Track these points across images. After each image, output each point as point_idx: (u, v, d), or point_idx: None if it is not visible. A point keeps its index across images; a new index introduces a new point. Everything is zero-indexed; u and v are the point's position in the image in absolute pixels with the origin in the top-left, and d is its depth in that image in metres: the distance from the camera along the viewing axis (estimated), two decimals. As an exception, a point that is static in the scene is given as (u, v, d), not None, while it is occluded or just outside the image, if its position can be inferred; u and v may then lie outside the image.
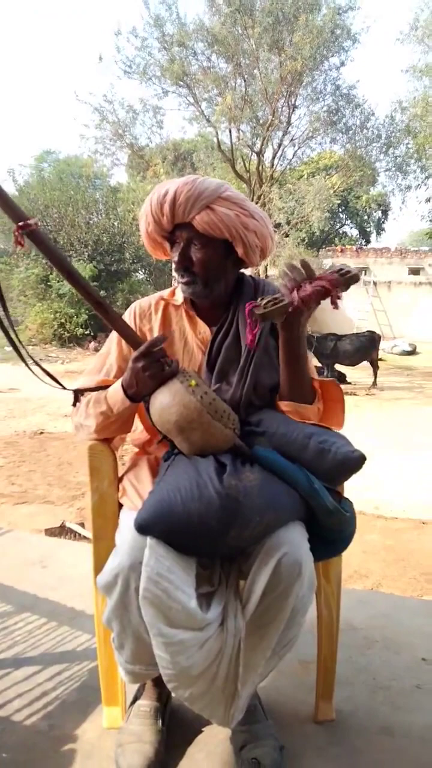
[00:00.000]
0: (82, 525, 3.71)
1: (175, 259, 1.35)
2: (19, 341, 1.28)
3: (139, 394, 1.25)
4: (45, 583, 2.15)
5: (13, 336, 1.26)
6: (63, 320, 15.67)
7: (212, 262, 1.35)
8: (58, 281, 15.78)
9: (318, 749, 1.37)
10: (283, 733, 1.35)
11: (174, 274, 1.41)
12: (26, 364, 1.31)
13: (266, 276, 11.76)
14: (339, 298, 1.19)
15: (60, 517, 3.90)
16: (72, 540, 3.41)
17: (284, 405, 1.32)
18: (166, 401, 1.19)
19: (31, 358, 1.32)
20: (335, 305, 1.20)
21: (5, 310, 1.25)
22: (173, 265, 1.39)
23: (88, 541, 3.18)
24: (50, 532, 3.55)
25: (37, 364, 1.33)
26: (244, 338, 1.35)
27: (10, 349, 1.33)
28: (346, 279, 1.18)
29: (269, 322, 1.28)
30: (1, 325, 1.25)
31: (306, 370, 1.34)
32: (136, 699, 1.43)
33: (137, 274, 19.93)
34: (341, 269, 1.20)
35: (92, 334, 15.81)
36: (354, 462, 1.19)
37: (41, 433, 6.54)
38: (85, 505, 4.17)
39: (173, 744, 1.35)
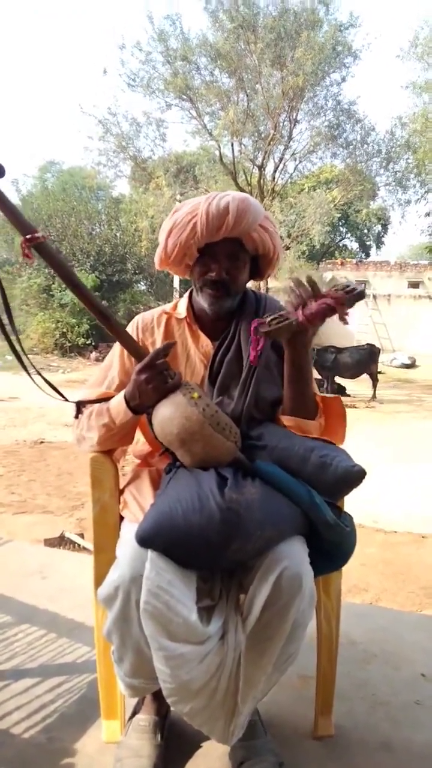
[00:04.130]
0: (81, 536, 3.70)
1: (213, 274, 1.36)
2: (23, 352, 1.30)
3: (141, 405, 1.26)
4: (44, 593, 2.14)
5: (17, 347, 1.27)
6: (65, 330, 15.72)
7: (244, 278, 1.41)
8: (61, 291, 15.85)
9: (317, 765, 1.37)
10: (282, 749, 1.35)
11: (201, 287, 1.39)
12: (29, 375, 1.32)
13: (267, 289, 11.81)
14: (346, 314, 1.19)
15: (59, 527, 3.90)
16: (71, 551, 3.40)
17: (287, 420, 1.33)
18: (168, 413, 1.19)
19: (35, 369, 1.33)
20: (344, 321, 1.19)
21: (11, 320, 1.26)
22: (199, 279, 1.39)
23: (88, 552, 3.18)
24: (49, 543, 3.54)
25: (40, 375, 1.34)
26: (246, 353, 1.37)
27: (11, 357, 1.35)
28: (351, 296, 1.18)
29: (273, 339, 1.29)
30: (6, 338, 1.26)
31: (310, 386, 1.35)
32: (135, 713, 1.42)
33: (139, 284, 20.02)
34: (347, 286, 1.20)
35: (94, 344, 15.85)
36: (355, 476, 1.19)
37: (41, 442, 6.54)
38: (85, 516, 4.17)
39: (172, 759, 1.35)
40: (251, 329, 1.24)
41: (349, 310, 1.20)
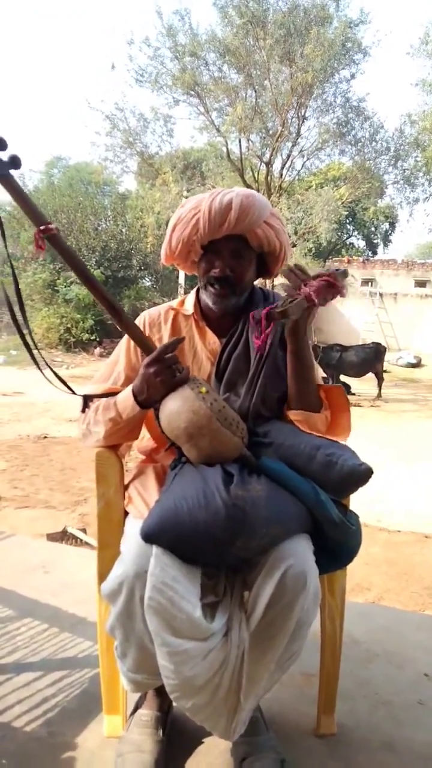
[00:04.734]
0: (83, 531, 3.71)
1: (216, 271, 1.36)
2: (35, 345, 1.29)
3: (149, 399, 1.26)
4: (47, 588, 2.15)
5: (29, 340, 1.27)
6: (69, 325, 15.72)
7: (250, 275, 1.40)
8: (65, 286, 15.86)
9: (319, 763, 1.36)
10: (284, 746, 1.34)
11: (206, 284, 1.39)
12: (38, 368, 1.32)
13: (273, 286, 11.80)
14: (344, 287, 1.26)
15: (62, 522, 3.90)
16: (74, 546, 3.40)
17: (293, 414, 1.32)
18: (176, 407, 1.19)
19: (46, 362, 1.33)
20: (342, 294, 1.26)
21: (23, 313, 1.26)
22: (204, 276, 1.39)
23: (90, 547, 3.19)
24: (52, 537, 3.54)
25: (51, 369, 1.34)
26: (254, 349, 1.36)
27: (16, 352, 1.35)
28: (339, 273, 1.25)
29: (283, 323, 1.30)
30: (18, 330, 1.26)
31: (313, 378, 1.35)
32: (137, 708, 1.42)
33: (144, 280, 20.01)
34: (330, 268, 1.29)
35: (98, 339, 15.84)
36: (361, 475, 1.19)
37: (45, 437, 6.55)
38: (87, 511, 4.17)
39: (173, 754, 1.35)
40: (263, 315, 1.25)
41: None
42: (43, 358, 1.31)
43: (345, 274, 1.27)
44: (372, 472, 1.19)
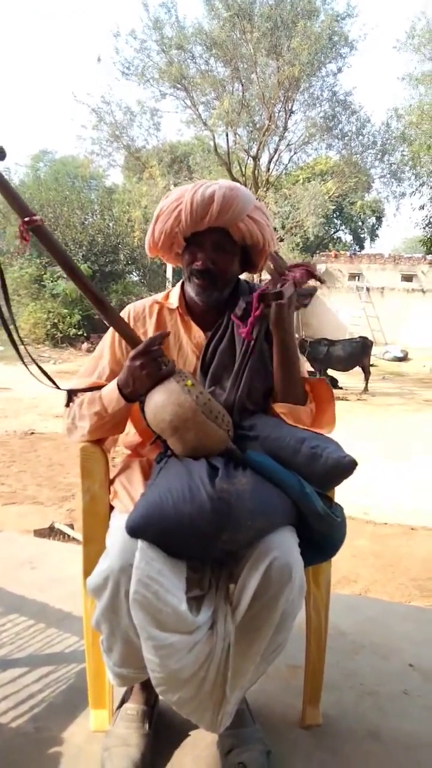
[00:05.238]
0: (71, 526, 3.70)
1: (198, 263, 1.35)
2: (20, 339, 1.29)
3: (134, 393, 1.25)
4: (34, 584, 2.14)
5: (14, 334, 1.26)
6: (56, 320, 15.63)
7: (234, 269, 1.39)
8: (52, 281, 15.75)
9: (305, 754, 1.37)
10: (270, 738, 1.35)
11: (189, 277, 1.39)
12: (23, 362, 1.31)
13: (260, 280, 11.79)
14: (319, 275, 1.39)
15: (49, 517, 3.89)
16: (61, 541, 3.39)
17: (279, 407, 1.33)
18: (161, 400, 1.19)
19: (31, 357, 1.32)
20: (321, 281, 1.40)
21: (8, 307, 1.25)
22: (187, 268, 1.39)
23: (77, 543, 3.17)
24: (39, 533, 3.53)
25: (35, 362, 1.33)
26: (239, 343, 1.36)
27: (2, 348, 1.32)
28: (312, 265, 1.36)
29: (266, 323, 1.33)
30: (4, 324, 1.25)
31: (298, 370, 1.36)
32: (123, 702, 1.42)
33: (131, 275, 19.94)
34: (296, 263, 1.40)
35: (85, 334, 15.77)
36: (345, 467, 1.19)
37: (32, 433, 6.51)
38: (75, 507, 4.16)
39: (160, 748, 1.35)
40: (255, 297, 1.28)
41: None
42: (28, 353, 1.30)
43: (312, 267, 1.39)
44: (356, 465, 1.19)
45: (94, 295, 1.23)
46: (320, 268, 19.27)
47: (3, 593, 2.07)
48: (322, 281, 1.31)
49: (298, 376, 1.36)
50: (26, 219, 1.15)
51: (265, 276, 1.38)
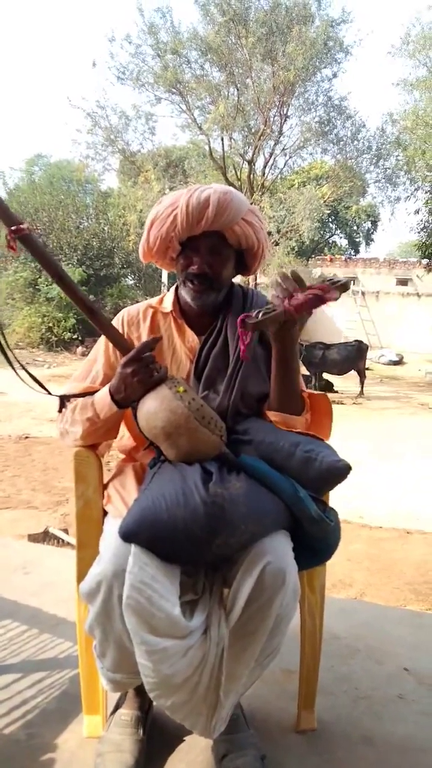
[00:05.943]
0: (65, 531, 3.68)
1: (194, 267, 1.35)
2: (8, 345, 1.28)
3: (126, 399, 1.25)
4: (27, 589, 2.12)
5: (1, 339, 1.25)
6: (51, 324, 15.59)
7: (229, 272, 1.39)
8: (47, 285, 15.72)
9: (299, 759, 1.37)
10: (264, 743, 1.35)
11: (184, 281, 1.38)
12: (13, 368, 1.31)
13: (256, 284, 11.81)
14: (333, 299, 1.19)
15: (44, 522, 3.87)
16: (55, 546, 3.38)
17: (272, 415, 1.32)
18: (153, 407, 1.19)
19: (19, 362, 1.31)
20: (346, 289, 1.20)
21: None
22: (182, 272, 1.38)
23: (72, 548, 3.16)
24: (33, 538, 3.51)
25: (24, 369, 1.32)
26: (233, 347, 1.36)
27: (-5, 353, 1.32)
28: (337, 287, 1.18)
29: (259, 332, 1.28)
30: None
31: (297, 382, 1.34)
32: (117, 708, 1.41)
33: (126, 279, 19.93)
34: (332, 279, 1.21)
35: (80, 338, 15.74)
36: (339, 471, 1.19)
37: (26, 437, 6.49)
38: (69, 511, 4.14)
39: (154, 753, 1.34)
40: (238, 322, 1.22)
41: (334, 304, 1.21)
42: (17, 359, 1.30)
43: (345, 287, 1.20)
44: (350, 469, 1.19)
45: (83, 301, 1.23)
46: (315, 272, 19.32)
47: (-4, 598, 2.06)
48: (346, 289, 1.20)
49: (296, 388, 1.34)
50: (13, 228, 1.14)
51: (261, 280, 1.35)
